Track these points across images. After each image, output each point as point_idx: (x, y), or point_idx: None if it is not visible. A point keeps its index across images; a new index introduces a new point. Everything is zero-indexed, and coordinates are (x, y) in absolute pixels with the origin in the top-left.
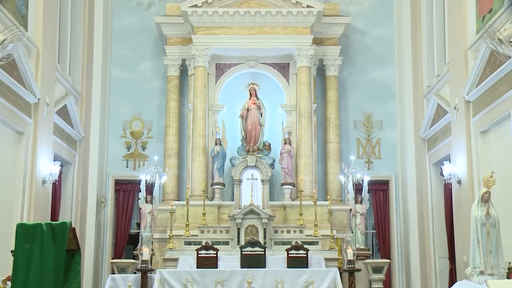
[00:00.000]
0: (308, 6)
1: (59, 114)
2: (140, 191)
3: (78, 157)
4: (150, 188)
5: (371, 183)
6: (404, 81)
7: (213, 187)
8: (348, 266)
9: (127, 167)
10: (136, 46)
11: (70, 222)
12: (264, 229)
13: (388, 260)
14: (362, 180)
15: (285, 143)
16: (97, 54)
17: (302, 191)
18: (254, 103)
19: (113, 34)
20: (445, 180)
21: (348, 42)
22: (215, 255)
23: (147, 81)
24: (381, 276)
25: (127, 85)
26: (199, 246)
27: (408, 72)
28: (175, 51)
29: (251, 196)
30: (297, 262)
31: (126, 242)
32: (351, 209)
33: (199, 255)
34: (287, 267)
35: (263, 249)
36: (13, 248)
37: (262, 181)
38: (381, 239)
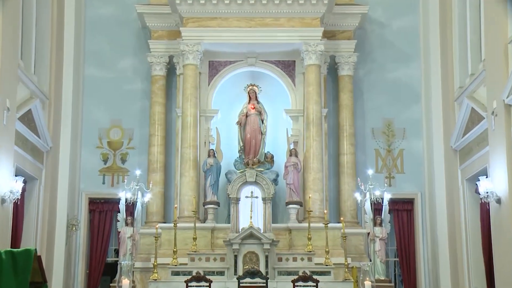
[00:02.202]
0: None
1: (22, 120)
2: (119, 212)
3: (45, 172)
4: (131, 208)
5: (393, 202)
6: (431, 82)
7: (206, 206)
8: None
9: (103, 183)
10: (115, 40)
11: (35, 249)
12: (266, 257)
13: None
14: (382, 199)
15: (290, 155)
16: (68, 49)
17: (311, 211)
18: (254, 108)
19: (87, 27)
20: (481, 198)
21: (365, 35)
22: (208, 287)
23: (127, 82)
24: None
25: (104, 87)
26: (189, 277)
27: (436, 71)
28: (160, 47)
29: (251, 217)
30: None
31: (101, 273)
32: (369, 233)
33: None
34: None
35: (264, 281)
36: None
37: (264, 199)
38: (405, 269)
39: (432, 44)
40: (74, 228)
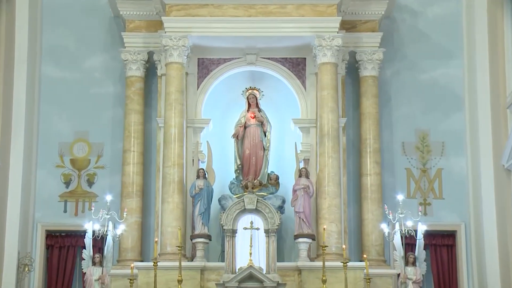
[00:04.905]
0: None
1: None
2: (85, 248)
3: None
4: (99, 243)
5: (429, 236)
6: (477, 84)
7: (194, 241)
8: None
9: (65, 211)
10: (80, 32)
11: None
12: None
13: None
14: (416, 231)
15: (300, 176)
16: (20, 44)
17: (326, 246)
18: (255, 117)
19: (44, 16)
20: None
21: (394, 26)
22: None
23: (96, 85)
24: None
25: (66, 90)
26: None
27: (484, 70)
28: (137, 41)
29: (250, 254)
30: None
31: None
32: (399, 274)
33: None
34: None
35: None
36: None
37: (267, 231)
38: None
39: (478, 37)
40: (27, 269)
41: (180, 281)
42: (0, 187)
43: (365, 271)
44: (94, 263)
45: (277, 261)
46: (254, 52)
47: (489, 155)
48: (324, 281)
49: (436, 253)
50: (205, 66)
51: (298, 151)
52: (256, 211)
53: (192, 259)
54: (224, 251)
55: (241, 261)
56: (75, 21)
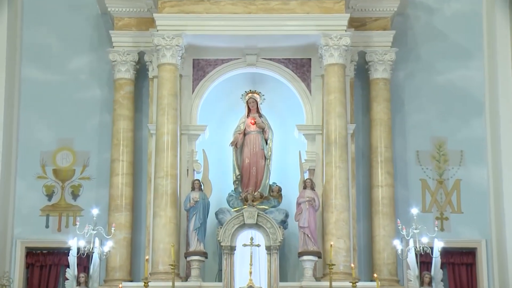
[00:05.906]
0: None
1: None
2: (69, 267)
3: None
4: (84, 261)
5: (447, 253)
6: (498, 87)
7: (189, 258)
8: None
9: (47, 227)
10: (64, 31)
11: None
12: None
13: None
14: (432, 248)
15: (304, 188)
16: None
17: (334, 265)
18: (255, 123)
19: (25, 12)
20: None
21: (407, 24)
22: None
23: (81, 88)
24: None
25: (48, 94)
26: None
27: (506, 73)
28: (127, 40)
29: (250, 273)
30: None
31: None
32: None
33: None
34: None
35: None
36: None
37: (269, 248)
38: None
39: (499, 36)
40: None
41: None
42: None
43: None
44: (79, 284)
45: (280, 281)
46: (255, 52)
47: None
48: None
49: (454, 273)
50: (200, 68)
51: (303, 161)
52: (256, 226)
53: (186, 278)
54: (221, 270)
55: (240, 281)
56: (58, 18)
